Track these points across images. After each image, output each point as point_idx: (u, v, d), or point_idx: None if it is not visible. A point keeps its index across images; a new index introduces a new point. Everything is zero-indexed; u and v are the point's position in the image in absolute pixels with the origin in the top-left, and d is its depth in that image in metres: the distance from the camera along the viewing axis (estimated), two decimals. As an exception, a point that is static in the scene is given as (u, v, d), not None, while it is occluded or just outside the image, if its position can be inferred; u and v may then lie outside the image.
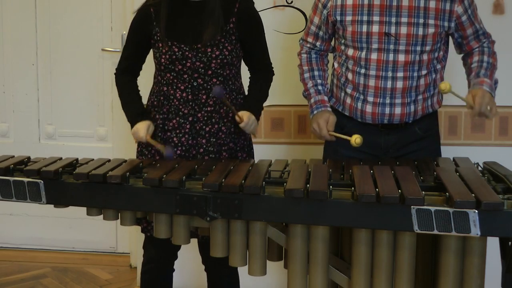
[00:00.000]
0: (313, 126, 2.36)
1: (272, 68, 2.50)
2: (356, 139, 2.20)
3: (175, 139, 2.35)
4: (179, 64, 2.32)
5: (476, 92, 2.17)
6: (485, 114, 2.15)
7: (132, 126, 2.36)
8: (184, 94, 2.35)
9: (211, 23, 2.30)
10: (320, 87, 2.44)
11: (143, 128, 2.31)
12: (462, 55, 2.44)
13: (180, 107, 2.35)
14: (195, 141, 2.35)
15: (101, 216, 2.11)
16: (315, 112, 2.39)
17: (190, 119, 2.35)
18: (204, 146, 2.35)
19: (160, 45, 2.33)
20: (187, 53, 2.31)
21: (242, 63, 2.47)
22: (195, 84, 2.34)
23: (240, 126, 2.31)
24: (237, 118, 2.30)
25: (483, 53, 2.35)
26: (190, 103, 2.35)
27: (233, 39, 2.34)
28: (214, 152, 2.36)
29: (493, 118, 2.20)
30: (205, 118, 2.35)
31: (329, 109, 2.40)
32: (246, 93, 2.50)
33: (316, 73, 2.47)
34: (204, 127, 2.36)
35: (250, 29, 2.38)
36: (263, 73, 2.48)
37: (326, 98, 2.43)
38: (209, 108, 2.36)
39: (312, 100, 2.42)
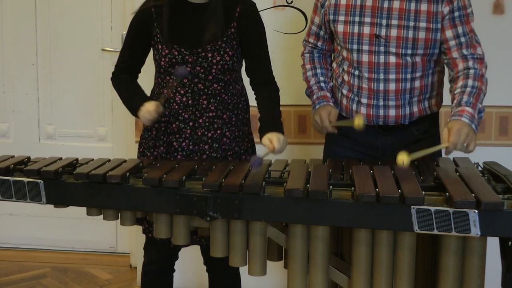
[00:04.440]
0: (315, 118, 2.34)
1: (274, 80, 2.42)
2: (358, 122, 2.14)
3: (175, 143, 2.33)
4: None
5: (452, 126, 2.04)
6: (461, 150, 2.03)
7: (137, 113, 2.27)
8: (184, 99, 2.33)
9: (212, 22, 2.27)
10: (322, 84, 2.43)
11: (151, 103, 2.22)
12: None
13: (180, 111, 2.33)
14: (196, 146, 2.33)
15: (101, 216, 2.11)
16: (317, 106, 2.37)
17: (191, 124, 2.33)
18: (207, 152, 2.33)
19: (160, 47, 2.31)
20: (187, 57, 2.28)
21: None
22: (195, 89, 2.32)
23: (273, 153, 2.19)
24: (267, 145, 2.19)
25: (467, 76, 2.18)
26: (191, 108, 2.32)
27: (234, 44, 2.32)
28: (217, 158, 2.34)
29: (469, 153, 2.06)
30: (207, 123, 2.33)
31: (332, 104, 2.38)
32: (247, 96, 2.48)
33: (318, 71, 2.46)
34: (206, 132, 2.33)
35: (251, 33, 2.34)
36: (271, 86, 2.40)
37: (329, 95, 2.41)
38: (210, 114, 2.33)
39: (315, 96, 2.41)
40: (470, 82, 2.17)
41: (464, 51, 2.23)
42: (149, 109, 2.22)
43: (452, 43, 2.24)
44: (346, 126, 2.24)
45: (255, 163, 1.99)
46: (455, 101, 2.16)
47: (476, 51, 2.24)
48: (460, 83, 2.18)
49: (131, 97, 2.34)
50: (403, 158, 1.89)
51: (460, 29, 2.23)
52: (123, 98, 2.38)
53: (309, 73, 2.47)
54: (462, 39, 2.23)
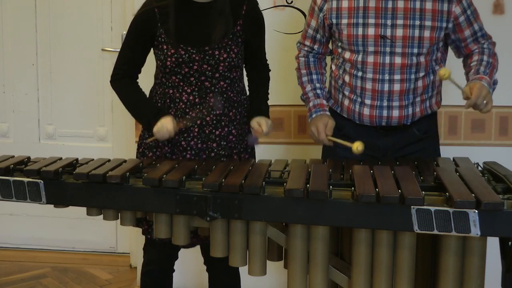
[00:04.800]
0: (312, 129, 2.35)
1: (268, 64, 2.51)
2: (358, 147, 2.15)
3: (183, 143, 2.33)
4: (185, 67, 2.29)
5: (474, 84, 2.13)
6: (480, 107, 2.11)
7: (151, 126, 2.27)
8: (191, 97, 2.33)
9: (220, 23, 2.28)
10: (318, 91, 2.44)
11: (169, 121, 2.25)
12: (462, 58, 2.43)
13: (187, 110, 2.33)
14: (205, 145, 2.33)
15: (101, 216, 2.11)
16: (313, 115, 2.38)
17: (199, 122, 2.33)
18: (215, 150, 2.34)
19: (165, 47, 2.30)
20: (194, 55, 2.28)
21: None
22: (202, 87, 2.32)
23: (262, 134, 2.33)
24: (256, 128, 2.32)
25: (482, 53, 2.31)
26: (198, 107, 2.32)
27: (239, 42, 2.33)
28: (225, 156, 2.35)
29: (486, 112, 2.16)
30: (214, 121, 2.34)
31: (328, 113, 2.39)
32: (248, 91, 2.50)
33: (314, 76, 2.46)
34: (214, 130, 2.34)
35: (255, 31, 2.38)
36: (263, 71, 2.49)
37: (324, 102, 2.42)
38: (218, 112, 2.34)
39: (311, 104, 2.41)
40: (485, 57, 2.30)
41: (482, 42, 2.35)
42: (169, 128, 2.23)
43: (470, 39, 2.34)
44: (342, 145, 2.25)
45: (253, 141, 2.33)
46: (472, 71, 2.27)
47: (487, 39, 2.36)
48: (476, 57, 2.31)
49: (141, 108, 2.33)
50: (445, 72, 2.07)
51: (476, 26, 2.32)
52: (130, 109, 2.36)
53: (305, 79, 2.47)
54: (478, 34, 2.33)
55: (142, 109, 2.33)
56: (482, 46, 2.33)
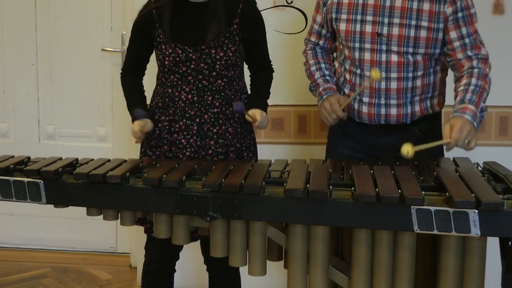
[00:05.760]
0: (324, 105, 2.30)
1: (272, 65, 2.51)
2: (375, 74, 2.13)
3: (183, 140, 2.35)
4: (183, 66, 2.32)
5: (455, 123, 2.04)
6: (462, 147, 2.04)
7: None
8: (189, 96, 2.35)
9: (214, 23, 2.30)
10: (328, 78, 2.42)
11: (136, 125, 2.34)
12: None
13: (186, 108, 2.35)
14: (203, 142, 2.35)
15: (101, 216, 2.11)
16: (324, 97, 2.34)
17: (197, 120, 2.35)
18: (213, 148, 2.35)
19: (163, 47, 2.33)
20: (191, 54, 2.30)
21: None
22: (200, 85, 2.34)
23: (255, 125, 2.32)
24: (249, 118, 2.28)
25: (471, 75, 2.19)
26: (196, 105, 2.35)
27: (236, 40, 2.34)
28: (222, 153, 2.36)
29: (470, 150, 2.07)
30: (212, 119, 2.35)
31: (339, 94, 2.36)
32: (249, 92, 2.50)
33: (322, 65, 2.46)
34: (211, 128, 2.35)
35: (253, 30, 2.39)
36: (265, 71, 2.49)
37: (335, 87, 2.40)
38: (215, 110, 2.35)
39: (321, 88, 2.39)
40: (473, 80, 2.18)
41: (469, 52, 2.24)
42: (134, 129, 2.34)
43: (456, 44, 2.25)
44: (358, 94, 2.24)
45: (238, 108, 2.18)
46: (458, 98, 2.16)
47: (480, 52, 2.25)
48: (464, 81, 2.20)
49: (130, 106, 2.43)
50: (407, 149, 1.93)
51: (464, 30, 2.24)
52: (127, 106, 2.46)
53: (313, 68, 2.46)
54: (467, 40, 2.24)
55: (130, 107, 2.43)
56: (471, 66, 2.22)
